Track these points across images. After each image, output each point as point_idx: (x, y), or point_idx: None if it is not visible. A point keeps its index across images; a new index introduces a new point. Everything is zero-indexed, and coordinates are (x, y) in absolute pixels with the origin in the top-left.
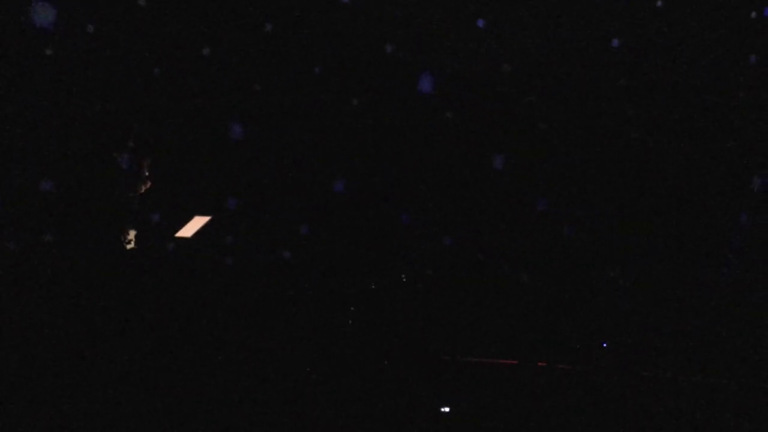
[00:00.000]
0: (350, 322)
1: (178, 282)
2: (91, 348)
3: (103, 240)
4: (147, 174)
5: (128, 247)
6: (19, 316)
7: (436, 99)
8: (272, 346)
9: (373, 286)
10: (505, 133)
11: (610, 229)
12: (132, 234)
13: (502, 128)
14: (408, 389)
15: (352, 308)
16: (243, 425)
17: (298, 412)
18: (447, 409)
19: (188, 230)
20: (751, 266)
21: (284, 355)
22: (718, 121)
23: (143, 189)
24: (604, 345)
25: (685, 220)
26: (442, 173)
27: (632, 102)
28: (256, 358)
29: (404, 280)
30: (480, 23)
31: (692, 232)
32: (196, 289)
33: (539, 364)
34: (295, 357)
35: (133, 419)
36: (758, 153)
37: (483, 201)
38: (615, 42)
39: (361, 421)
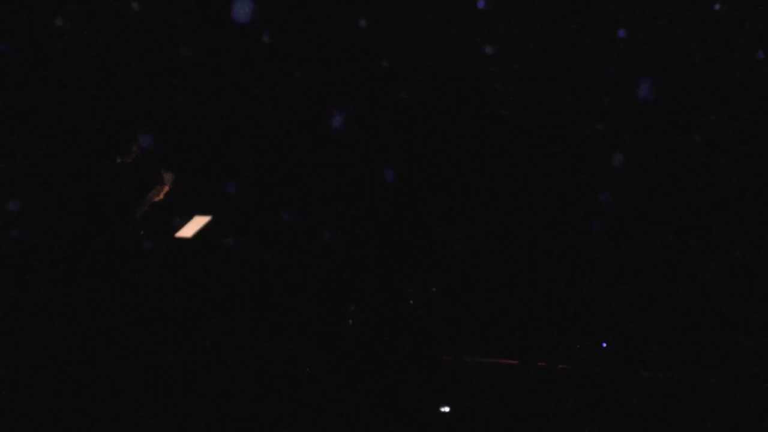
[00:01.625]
0: (350, 321)
1: (178, 282)
2: (91, 348)
3: (108, 240)
4: (166, 184)
5: (130, 247)
6: (19, 314)
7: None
8: (272, 346)
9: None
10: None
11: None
12: (136, 235)
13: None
14: (408, 389)
15: (352, 308)
16: (242, 425)
17: (297, 412)
18: (447, 409)
19: (188, 230)
20: (755, 267)
21: (284, 354)
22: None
23: (158, 197)
24: (604, 345)
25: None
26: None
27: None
28: (256, 358)
29: (434, 290)
30: None
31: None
32: (196, 289)
33: (539, 364)
34: (294, 357)
35: (133, 419)
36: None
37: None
38: (481, 3)
39: (361, 421)
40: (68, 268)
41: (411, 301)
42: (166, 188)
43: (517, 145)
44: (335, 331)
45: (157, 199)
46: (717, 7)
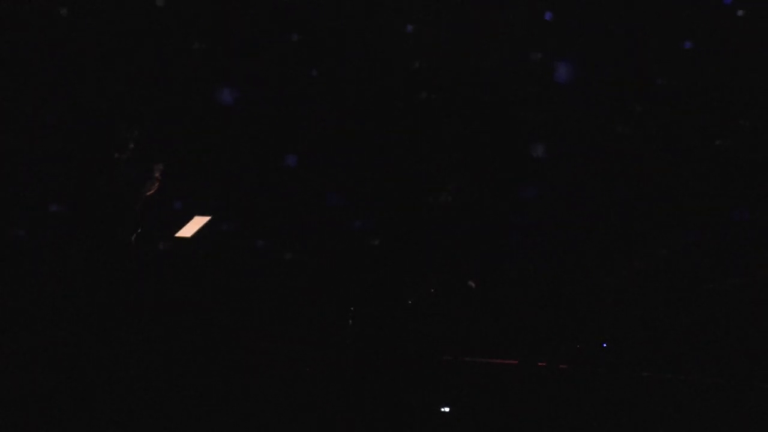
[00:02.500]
0: (350, 322)
1: (178, 282)
2: (91, 348)
3: (106, 240)
4: (157, 177)
5: (129, 246)
6: (19, 314)
7: None
8: (272, 346)
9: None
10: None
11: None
12: (134, 234)
13: None
14: (408, 389)
15: (352, 308)
16: (243, 425)
17: (297, 412)
18: (447, 409)
19: (188, 230)
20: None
21: (284, 354)
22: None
23: (151, 191)
24: (604, 345)
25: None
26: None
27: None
28: (256, 358)
29: (433, 291)
30: None
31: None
32: (196, 289)
33: (539, 364)
34: (294, 357)
35: (132, 419)
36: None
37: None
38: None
39: (360, 421)
40: (67, 267)
41: (410, 301)
42: (158, 181)
43: (438, 128)
44: (335, 331)
45: (150, 192)
46: None
